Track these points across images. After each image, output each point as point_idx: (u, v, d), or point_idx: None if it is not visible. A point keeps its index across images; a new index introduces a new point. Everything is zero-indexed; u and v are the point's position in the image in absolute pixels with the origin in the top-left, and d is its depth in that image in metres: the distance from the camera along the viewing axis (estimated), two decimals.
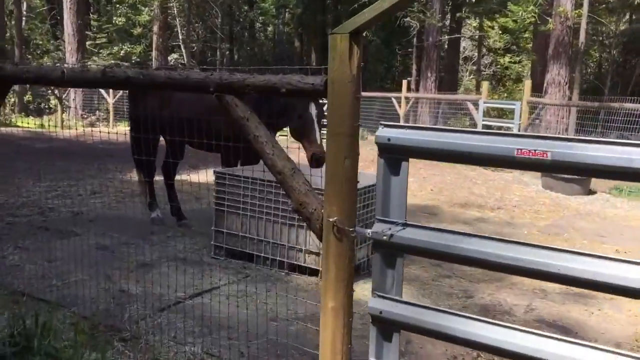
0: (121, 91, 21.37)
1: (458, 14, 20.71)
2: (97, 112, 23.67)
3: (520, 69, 33.88)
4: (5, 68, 2.86)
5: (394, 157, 2.16)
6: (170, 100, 5.72)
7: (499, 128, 17.23)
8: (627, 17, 27.15)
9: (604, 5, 16.93)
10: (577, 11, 15.69)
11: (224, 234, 5.10)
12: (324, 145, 4.51)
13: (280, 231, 4.79)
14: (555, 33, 16.17)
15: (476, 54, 31.11)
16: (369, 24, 2.08)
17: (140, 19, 24.56)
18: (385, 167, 2.17)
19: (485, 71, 30.85)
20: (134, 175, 8.73)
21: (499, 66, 32.80)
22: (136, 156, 6.33)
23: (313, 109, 4.95)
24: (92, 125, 22.62)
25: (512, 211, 8.00)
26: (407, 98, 15.23)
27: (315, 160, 4.70)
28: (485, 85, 12.45)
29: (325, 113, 5.03)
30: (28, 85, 23.27)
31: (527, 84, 11.71)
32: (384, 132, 2.14)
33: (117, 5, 26.59)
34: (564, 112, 15.86)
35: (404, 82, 15.46)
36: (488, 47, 27.98)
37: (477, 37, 21.62)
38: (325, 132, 4.82)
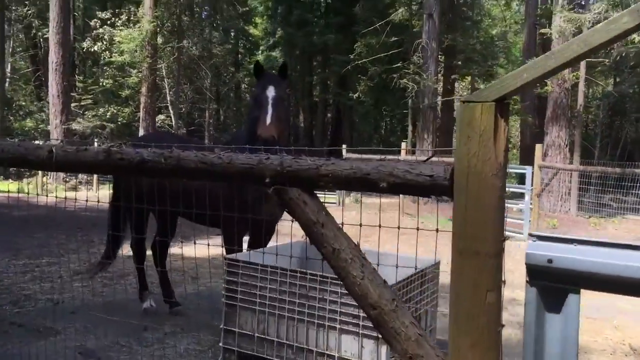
0: None
1: (453, 76, 20.64)
2: (80, 175, 22.80)
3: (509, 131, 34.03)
4: None
5: (557, 287, 1.42)
6: None
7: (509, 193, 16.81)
8: (612, 79, 27.53)
9: (598, 68, 16.96)
10: (574, 74, 15.56)
11: (236, 334, 4.24)
12: (273, 126, 3.96)
13: (306, 332, 3.96)
14: (553, 95, 15.98)
15: None
16: (521, 89, 1.40)
17: (130, 81, 24.16)
18: (540, 301, 1.43)
19: None
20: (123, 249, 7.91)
21: None
22: (112, 232, 5.52)
23: (269, 90, 4.34)
24: (74, 189, 21.72)
25: None
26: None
27: (261, 142, 4.05)
28: None
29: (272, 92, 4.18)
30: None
31: (538, 147, 11.23)
32: (540, 249, 1.42)
33: (105, 67, 26.24)
34: (566, 176, 15.45)
35: (403, 144, 14.96)
36: None
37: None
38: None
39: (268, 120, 4.11)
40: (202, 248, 5.74)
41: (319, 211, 1.58)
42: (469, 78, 25.85)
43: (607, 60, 16.99)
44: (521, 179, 17.24)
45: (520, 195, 11.79)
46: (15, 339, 4.51)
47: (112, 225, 5.51)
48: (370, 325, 3.86)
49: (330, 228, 1.56)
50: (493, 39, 24.48)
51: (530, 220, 10.83)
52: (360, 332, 3.81)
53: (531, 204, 10.81)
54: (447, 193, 1.42)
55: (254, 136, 4.23)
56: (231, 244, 4.64)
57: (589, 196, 15.88)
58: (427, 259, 4.55)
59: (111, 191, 5.90)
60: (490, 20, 28.55)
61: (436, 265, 4.63)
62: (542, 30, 15.76)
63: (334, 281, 3.98)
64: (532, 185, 10.85)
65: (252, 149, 4.09)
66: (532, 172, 10.86)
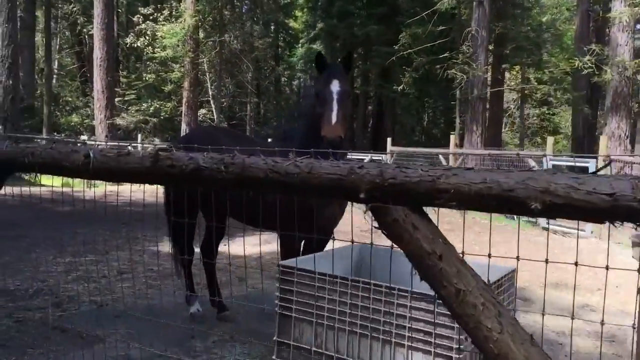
0: (149, 149, 20.78)
1: (503, 66, 19.78)
2: None
3: (557, 121, 32.78)
4: None
5: None
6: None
7: None
8: None
9: None
10: (637, 61, 14.59)
11: (291, 347, 3.88)
12: (340, 125, 3.57)
13: (369, 348, 3.56)
14: (613, 84, 15.05)
15: (511, 106, 30.15)
16: None
17: (172, 76, 24.21)
18: None
19: (523, 124, 29.72)
20: (165, 246, 7.68)
21: (535, 118, 31.76)
22: (173, 236, 5.25)
23: (334, 85, 3.85)
24: (119, 183, 21.93)
25: (617, 294, 6.64)
26: (455, 154, 14.08)
27: (327, 143, 3.63)
28: (550, 140, 11.26)
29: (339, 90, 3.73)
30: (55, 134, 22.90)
31: (603, 139, 10.48)
32: None
33: (148, 63, 26.39)
34: (627, 169, 14.55)
35: (452, 137, 14.36)
36: (534, 99, 26.95)
37: (521, 89, 20.62)
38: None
39: (334, 118, 3.68)
40: (249, 245, 5.38)
41: (435, 238, 1.18)
42: (517, 67, 24.89)
43: None
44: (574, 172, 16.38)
45: None
46: (57, 346, 4.28)
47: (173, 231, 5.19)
48: (444, 342, 3.45)
49: (451, 262, 1.16)
50: (542, 26, 23.40)
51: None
52: (433, 350, 3.40)
53: None
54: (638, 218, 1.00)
55: (315, 136, 3.83)
56: (289, 250, 4.27)
57: None
58: (499, 267, 4.09)
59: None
60: (538, 7, 27.37)
61: (512, 273, 4.15)
62: (610, 14, 14.71)
63: (402, 293, 3.59)
64: None
65: (319, 152, 3.73)
66: (596, 165, 10.14)
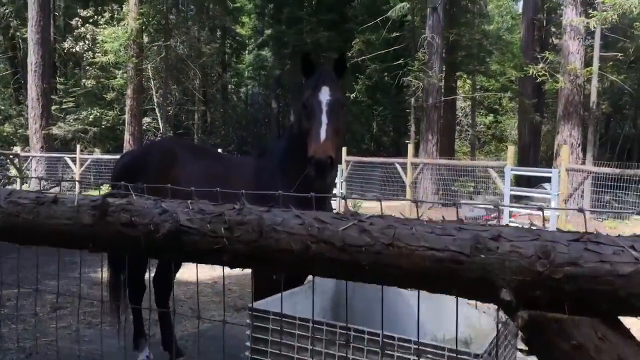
0: (89, 160, 19.52)
1: (458, 73, 19.75)
2: (62, 183, 21.58)
3: (503, 129, 33.37)
4: None
5: None
6: (172, 184, 3.96)
7: (532, 200, 15.88)
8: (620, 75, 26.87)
9: (610, 63, 16.19)
10: (587, 69, 14.72)
11: None
12: (330, 143, 2.99)
13: None
14: (564, 92, 15.14)
15: (459, 114, 30.36)
16: None
17: (114, 82, 22.94)
18: None
19: (469, 132, 30.03)
20: (105, 273, 6.84)
21: (482, 126, 32.20)
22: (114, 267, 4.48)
23: (323, 93, 3.24)
24: None
25: None
26: (414, 164, 13.74)
27: (314, 166, 3.00)
28: (511, 149, 11.04)
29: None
30: None
31: (565, 148, 10.33)
32: None
33: (87, 68, 24.99)
34: (578, 177, 14.62)
35: (410, 146, 14.02)
36: (484, 107, 27.21)
37: (473, 97, 20.70)
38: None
39: (322, 135, 3.04)
40: (200, 269, 4.63)
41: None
42: (467, 75, 25.03)
43: (621, 55, 16.18)
44: (518, 181, 16.39)
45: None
46: None
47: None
48: None
49: None
50: (490, 34, 23.69)
51: (557, 229, 9.92)
52: None
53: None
54: None
55: (299, 153, 3.24)
56: (265, 285, 3.59)
57: (599, 198, 15.10)
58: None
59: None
60: (486, 16, 27.78)
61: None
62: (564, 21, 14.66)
63: (404, 344, 3.01)
64: (558, 190, 9.95)
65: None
66: (559, 176, 9.97)
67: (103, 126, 24.84)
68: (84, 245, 1.12)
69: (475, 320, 3.70)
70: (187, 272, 6.08)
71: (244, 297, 6.51)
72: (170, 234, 0.93)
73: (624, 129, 28.32)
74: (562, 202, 9.99)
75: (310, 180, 3.05)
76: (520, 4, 27.07)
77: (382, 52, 18.29)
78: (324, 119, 3.11)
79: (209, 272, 7.24)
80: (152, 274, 4.84)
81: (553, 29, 30.49)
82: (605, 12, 11.40)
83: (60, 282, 7.00)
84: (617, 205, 15.15)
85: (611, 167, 13.31)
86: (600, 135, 26.36)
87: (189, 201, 1.07)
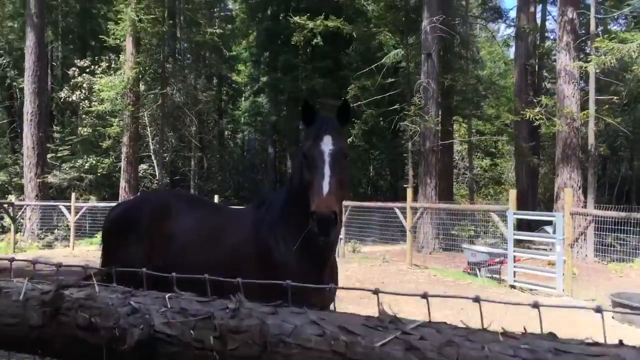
0: (84, 208, 19.28)
1: (454, 117, 19.84)
2: (56, 231, 21.30)
3: (500, 172, 33.39)
4: None
5: None
6: (166, 241, 3.74)
7: (539, 244, 15.63)
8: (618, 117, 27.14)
9: (607, 106, 16.28)
10: (584, 112, 14.76)
11: None
12: (334, 197, 2.76)
13: None
14: (562, 135, 15.14)
15: (456, 157, 30.40)
16: None
17: (110, 130, 22.95)
18: None
19: (467, 175, 30.00)
20: None
21: (478, 169, 32.21)
22: None
23: (325, 143, 3.01)
24: (49, 245, 20.17)
25: None
26: (413, 208, 13.54)
27: (317, 222, 2.74)
28: (512, 193, 10.88)
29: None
30: None
31: (568, 192, 10.17)
32: None
33: (84, 117, 25.06)
34: (581, 220, 14.44)
35: (409, 190, 13.86)
36: (481, 150, 27.24)
37: (470, 141, 20.76)
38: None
39: (325, 188, 2.83)
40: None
41: None
42: (462, 119, 25.15)
43: (616, 98, 16.29)
44: (519, 225, 16.18)
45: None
46: None
47: None
48: None
49: None
50: (484, 79, 23.96)
51: (564, 274, 9.68)
52: None
53: (564, 256, 9.68)
54: None
55: (300, 205, 3.04)
56: None
57: (601, 241, 14.89)
58: None
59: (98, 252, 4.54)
60: (479, 62, 28.16)
61: None
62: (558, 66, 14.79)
63: None
64: (563, 235, 9.73)
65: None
66: (563, 220, 9.77)
67: (99, 174, 24.72)
68: (31, 351, 0.90)
69: None
70: None
71: None
72: (141, 344, 0.70)
73: (620, 171, 28.36)
74: (567, 247, 9.76)
75: (313, 237, 2.84)
76: (512, 50, 27.54)
77: (378, 97, 18.39)
78: (327, 170, 2.90)
79: None
80: None
81: (545, 74, 30.96)
82: (602, 57, 11.48)
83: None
84: (619, 247, 14.93)
85: (611, 209, 13.15)
86: (597, 177, 26.36)
87: (167, 296, 0.84)
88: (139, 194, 19.38)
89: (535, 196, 27.46)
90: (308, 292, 3.29)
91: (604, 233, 14.25)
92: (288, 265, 3.25)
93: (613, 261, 14.76)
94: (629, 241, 14.12)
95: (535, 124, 16.06)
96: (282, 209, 3.38)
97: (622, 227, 13.02)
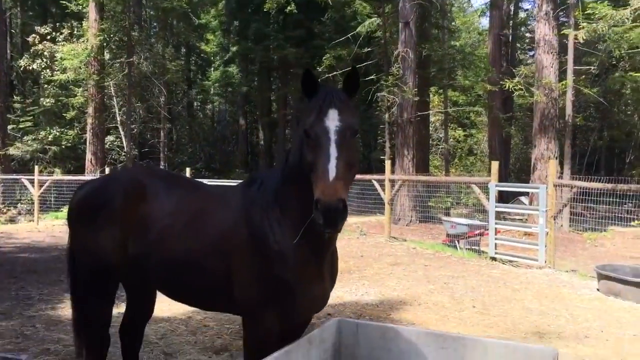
0: (49, 181, 18.51)
1: (433, 88, 19.52)
2: (19, 205, 20.47)
3: (471, 143, 33.48)
4: None
5: None
6: (141, 226, 3.32)
7: (523, 217, 15.57)
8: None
9: (583, 76, 16.19)
10: (562, 82, 14.63)
11: None
12: (342, 182, 2.40)
13: None
14: (540, 106, 15.00)
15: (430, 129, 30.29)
16: None
17: (74, 101, 21.94)
18: None
19: (440, 146, 29.94)
20: (67, 310, 6.08)
21: (452, 140, 32.19)
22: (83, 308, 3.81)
23: (331, 118, 2.59)
24: (12, 220, 19.38)
25: (606, 341, 5.88)
26: (392, 180, 13.29)
27: (322, 212, 2.36)
28: (494, 165, 10.69)
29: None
30: None
31: (552, 163, 9.99)
32: None
33: (45, 86, 23.92)
34: (558, 191, 14.42)
35: (387, 162, 13.57)
36: (456, 121, 27.13)
37: (446, 112, 20.50)
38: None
39: (332, 172, 2.41)
40: (171, 303, 4.05)
41: None
42: (437, 90, 24.94)
43: (593, 68, 16.21)
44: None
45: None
46: None
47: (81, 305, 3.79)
48: None
49: None
50: (459, 50, 23.69)
51: (546, 246, 9.58)
52: None
53: (547, 227, 9.56)
54: None
55: (303, 191, 2.66)
56: (261, 344, 3.00)
57: (572, 211, 14.96)
58: (535, 348, 3.08)
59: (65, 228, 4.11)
60: (454, 32, 27.85)
61: (551, 357, 3.09)
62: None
63: None
64: (546, 207, 9.60)
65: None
66: (547, 192, 9.63)
67: (63, 146, 23.76)
68: None
69: None
70: (158, 305, 5.41)
71: (222, 335, 5.86)
72: None
73: (590, 142, 28.67)
74: (550, 218, 9.64)
75: (317, 228, 2.45)
76: (487, 20, 27.25)
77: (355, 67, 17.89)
78: (333, 151, 2.49)
79: (182, 306, 6.57)
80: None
81: (518, 45, 30.90)
82: (594, 24, 11.24)
83: (12, 322, 6.25)
84: (589, 216, 15.02)
85: (582, 179, 13.06)
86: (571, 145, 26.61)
87: None
88: (107, 171, 18.60)
89: (508, 167, 27.65)
90: (310, 283, 2.94)
91: (574, 203, 14.29)
92: (286, 253, 2.88)
93: (586, 230, 14.88)
94: (599, 210, 14.20)
95: (508, 95, 15.90)
96: (277, 191, 2.98)
97: (592, 198, 13.05)
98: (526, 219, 15.26)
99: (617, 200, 11.86)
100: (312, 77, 2.75)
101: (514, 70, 15.70)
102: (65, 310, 6.63)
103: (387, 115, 17.73)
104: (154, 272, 3.31)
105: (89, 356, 3.72)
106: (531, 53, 33.27)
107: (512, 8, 28.38)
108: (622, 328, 6.34)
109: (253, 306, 2.97)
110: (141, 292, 3.88)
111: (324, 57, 18.37)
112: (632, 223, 15.05)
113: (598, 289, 8.03)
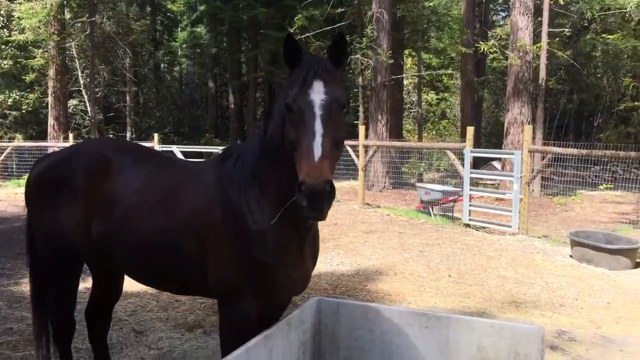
0: (9, 147, 17.79)
1: (407, 51, 19.17)
2: None
3: (444, 107, 33.44)
4: None
5: None
6: (106, 203, 3.05)
7: (495, 183, 15.53)
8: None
9: (557, 39, 16.06)
10: (537, 45, 14.48)
11: None
12: (328, 162, 2.19)
13: None
14: (514, 69, 14.88)
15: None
16: None
17: (34, 63, 20.92)
18: None
19: (413, 110, 29.79)
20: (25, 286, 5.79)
21: (424, 104, 32.10)
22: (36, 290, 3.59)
23: (316, 91, 2.34)
24: None
25: (581, 309, 5.89)
26: (366, 146, 13.10)
27: (306, 195, 2.14)
28: (470, 130, 10.56)
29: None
30: None
31: (527, 129, 9.89)
32: None
33: (3, 47, 22.74)
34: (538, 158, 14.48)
35: (361, 127, 13.34)
36: (427, 85, 26.89)
37: (420, 75, 20.23)
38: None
39: (317, 151, 2.18)
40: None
41: None
42: (406, 52, 24.57)
43: (567, 30, 16.08)
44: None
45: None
46: None
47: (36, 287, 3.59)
48: None
49: None
50: (434, 11, 23.29)
51: (520, 212, 9.58)
52: None
53: (521, 194, 9.55)
54: None
55: (283, 169, 2.46)
56: (237, 330, 2.82)
57: (542, 176, 15.09)
58: (522, 327, 2.97)
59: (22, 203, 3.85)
60: None
61: (538, 337, 2.98)
62: None
63: None
64: (521, 173, 9.56)
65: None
66: (522, 158, 9.57)
67: (24, 110, 22.79)
68: None
69: (492, 350, 3.07)
70: (128, 279, 5.18)
71: (195, 310, 5.67)
72: None
73: (559, 105, 28.89)
74: (524, 185, 9.63)
75: (301, 213, 2.23)
76: None
77: (327, 28, 17.43)
78: (319, 127, 2.25)
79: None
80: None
81: (491, 6, 30.60)
82: None
83: None
84: (557, 180, 15.18)
85: (552, 144, 13.09)
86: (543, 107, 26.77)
87: None
88: (71, 136, 17.91)
89: (480, 131, 27.72)
90: (290, 266, 2.74)
91: (545, 168, 14.39)
92: (265, 234, 2.65)
93: (555, 195, 15.05)
94: (567, 175, 14.34)
95: (480, 58, 15.71)
96: (255, 168, 2.73)
97: (561, 163, 13.11)
98: (498, 185, 15.33)
99: (585, 165, 11.93)
100: (295, 43, 2.47)
101: (488, 32, 15.46)
102: (28, 286, 6.34)
103: (360, 79, 17.41)
104: (120, 254, 3.06)
105: (55, 343, 3.50)
106: (504, 14, 33.07)
107: None
108: (595, 296, 6.38)
109: (229, 290, 2.77)
110: (108, 273, 3.64)
111: (295, 18, 17.80)
112: (600, 186, 15.31)
113: (571, 256, 8.08)
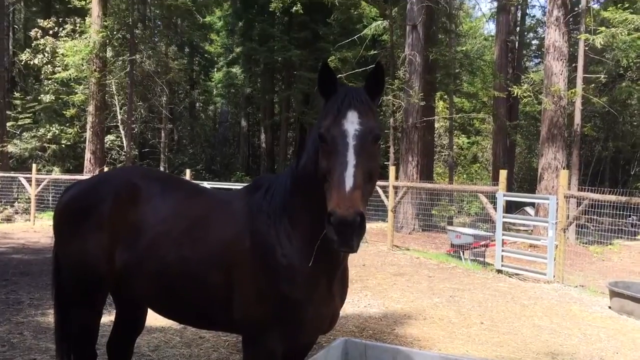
0: (47, 180, 18.23)
1: (439, 93, 19.23)
2: (16, 204, 20.17)
3: (475, 151, 33.18)
4: None
5: None
6: (133, 232, 3.03)
7: (529, 229, 15.20)
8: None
9: (592, 85, 15.90)
10: (572, 90, 14.32)
11: None
12: (359, 193, 2.11)
13: None
14: (548, 114, 14.70)
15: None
16: None
17: (75, 98, 21.64)
18: None
19: (444, 153, 29.64)
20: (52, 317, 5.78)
21: (455, 148, 31.92)
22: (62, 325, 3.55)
23: (350, 121, 2.30)
24: (8, 219, 19.07)
25: None
26: (396, 187, 12.99)
27: (335, 226, 2.06)
28: (503, 174, 10.38)
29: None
30: None
31: (564, 173, 9.65)
32: None
33: (45, 82, 23.63)
34: (563, 202, 14.10)
35: (391, 168, 13.27)
36: (460, 128, 26.83)
37: (451, 118, 20.22)
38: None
39: (349, 182, 2.12)
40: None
41: None
42: (438, 95, 24.60)
43: (602, 76, 15.91)
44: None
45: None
46: None
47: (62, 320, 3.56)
48: None
49: None
50: (467, 55, 23.39)
51: (555, 259, 9.27)
52: None
53: (556, 241, 9.25)
54: None
55: (315, 201, 2.41)
56: None
57: (577, 223, 14.65)
58: None
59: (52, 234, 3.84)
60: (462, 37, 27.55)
61: None
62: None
63: None
64: (556, 219, 9.29)
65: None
66: (557, 203, 9.32)
67: (63, 144, 23.47)
68: None
69: None
70: (152, 312, 5.13)
71: (219, 348, 5.56)
72: None
73: (594, 152, 28.37)
74: (560, 231, 9.34)
75: (330, 246, 2.15)
76: (493, 25, 26.96)
77: (359, 70, 17.62)
78: (351, 158, 2.20)
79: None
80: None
81: (525, 52, 30.58)
82: (612, 29, 10.94)
83: (1, 328, 5.94)
84: (593, 229, 14.71)
85: (587, 190, 12.75)
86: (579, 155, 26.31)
87: None
88: (100, 170, 18.29)
89: (512, 176, 27.33)
90: (319, 303, 2.65)
91: (580, 215, 13.97)
92: (295, 269, 2.58)
93: (591, 243, 14.57)
94: (603, 223, 13.90)
95: (513, 103, 15.60)
96: (286, 199, 2.69)
97: (597, 210, 12.71)
98: (531, 231, 14.95)
99: (621, 212, 11.54)
100: (330, 72, 2.44)
101: (521, 77, 15.39)
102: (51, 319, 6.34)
103: (391, 120, 17.44)
104: (143, 284, 3.01)
105: None
106: (537, 60, 33.00)
107: (519, 14, 28.11)
108: (637, 350, 6.04)
109: (255, 325, 2.68)
110: (131, 305, 3.59)
111: (328, 59, 18.09)
112: (638, 237, 14.77)
113: (610, 307, 7.72)
